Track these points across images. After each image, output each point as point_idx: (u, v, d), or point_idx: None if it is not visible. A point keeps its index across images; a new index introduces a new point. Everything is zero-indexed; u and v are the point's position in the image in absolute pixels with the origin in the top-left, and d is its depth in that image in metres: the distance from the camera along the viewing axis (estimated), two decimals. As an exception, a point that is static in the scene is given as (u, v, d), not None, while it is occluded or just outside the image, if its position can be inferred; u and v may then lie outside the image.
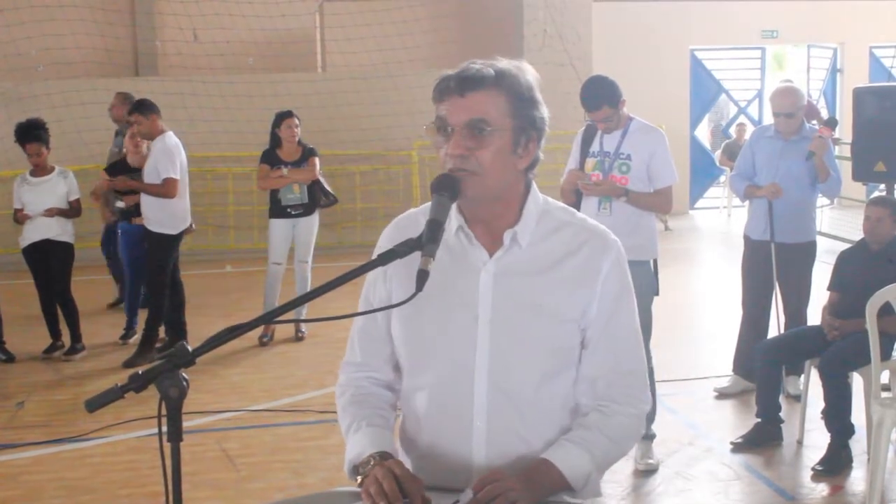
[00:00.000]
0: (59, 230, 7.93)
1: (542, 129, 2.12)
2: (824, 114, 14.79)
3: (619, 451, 2.22)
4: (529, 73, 2.12)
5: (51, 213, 7.84)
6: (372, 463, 2.06)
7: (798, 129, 6.21)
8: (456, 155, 2.04)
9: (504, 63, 2.09)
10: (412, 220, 2.24)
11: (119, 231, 8.57)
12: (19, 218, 7.98)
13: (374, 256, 2.23)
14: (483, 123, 2.03)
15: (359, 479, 2.08)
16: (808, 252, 6.29)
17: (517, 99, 2.07)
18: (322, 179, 8.32)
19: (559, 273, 2.13)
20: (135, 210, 8.08)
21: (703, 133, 17.91)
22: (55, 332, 8.06)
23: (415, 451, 2.17)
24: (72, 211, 8.01)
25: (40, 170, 8.01)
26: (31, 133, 7.93)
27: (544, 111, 2.13)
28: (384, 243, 2.23)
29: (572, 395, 2.19)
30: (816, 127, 6.52)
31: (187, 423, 6.15)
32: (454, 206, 2.13)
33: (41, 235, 7.89)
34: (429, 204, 2.22)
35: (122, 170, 8.16)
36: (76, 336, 7.98)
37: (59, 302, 7.98)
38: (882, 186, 7.92)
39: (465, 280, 1.95)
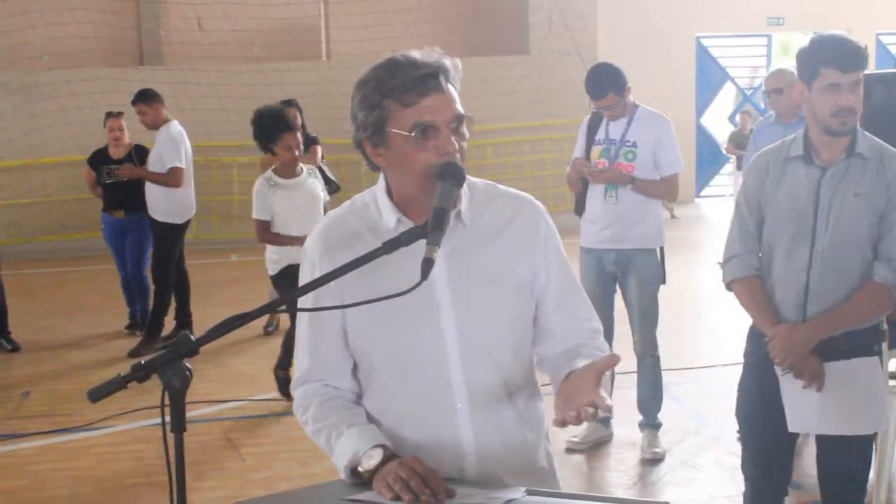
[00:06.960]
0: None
1: None
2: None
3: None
4: None
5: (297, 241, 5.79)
6: (382, 456, 2.02)
7: (796, 112, 6.16)
8: (453, 152, 2.02)
9: (436, 52, 2.08)
10: (339, 220, 2.20)
11: (102, 222, 8.22)
12: (278, 239, 6.11)
13: (304, 263, 2.19)
14: (463, 116, 2.05)
15: (363, 472, 2.03)
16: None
17: (456, 87, 2.10)
18: (324, 167, 8.31)
19: (504, 242, 2.16)
20: (115, 202, 7.88)
21: (714, 120, 17.78)
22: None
23: (400, 449, 2.10)
24: None
25: (291, 169, 6.21)
26: (285, 121, 6.13)
27: None
28: (316, 244, 2.18)
29: (532, 361, 2.25)
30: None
31: (193, 413, 6.11)
32: (388, 200, 2.13)
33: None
34: (349, 202, 2.22)
35: (104, 161, 7.92)
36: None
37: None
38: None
39: (417, 270, 1.92)
